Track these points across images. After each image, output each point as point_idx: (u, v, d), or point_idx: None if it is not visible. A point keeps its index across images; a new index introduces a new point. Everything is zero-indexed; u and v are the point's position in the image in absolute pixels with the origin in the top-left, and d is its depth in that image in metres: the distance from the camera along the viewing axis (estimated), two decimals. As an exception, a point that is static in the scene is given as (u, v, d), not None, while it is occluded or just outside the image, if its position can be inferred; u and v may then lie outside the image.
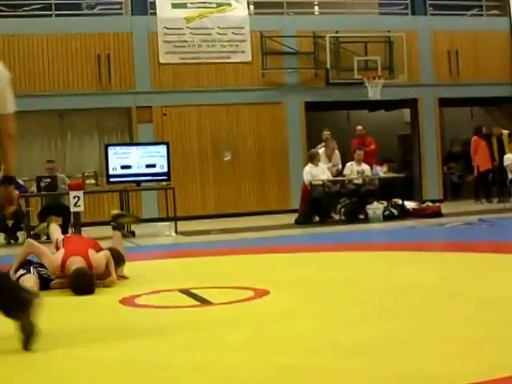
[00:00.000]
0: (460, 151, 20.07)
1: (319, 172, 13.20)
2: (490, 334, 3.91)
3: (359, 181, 13.51)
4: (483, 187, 16.57)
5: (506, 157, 15.52)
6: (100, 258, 6.20)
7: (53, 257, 6.17)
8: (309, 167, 13.25)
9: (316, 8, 18.75)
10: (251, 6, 17.41)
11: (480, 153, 16.25)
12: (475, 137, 16.41)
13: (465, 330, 4.04)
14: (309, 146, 15.74)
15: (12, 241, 11.98)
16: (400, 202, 13.23)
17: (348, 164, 13.79)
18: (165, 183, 12.93)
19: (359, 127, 15.55)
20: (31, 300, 3.86)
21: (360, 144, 14.82)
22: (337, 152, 14.32)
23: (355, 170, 13.52)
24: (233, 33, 16.30)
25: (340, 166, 14.12)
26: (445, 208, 13.79)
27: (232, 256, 8.67)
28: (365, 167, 13.64)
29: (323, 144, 14.53)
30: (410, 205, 13.51)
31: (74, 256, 6.04)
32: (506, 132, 16.38)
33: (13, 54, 15.27)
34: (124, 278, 6.59)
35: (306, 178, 13.15)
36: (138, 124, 15.89)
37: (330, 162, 14.04)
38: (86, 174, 12.85)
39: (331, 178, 13.46)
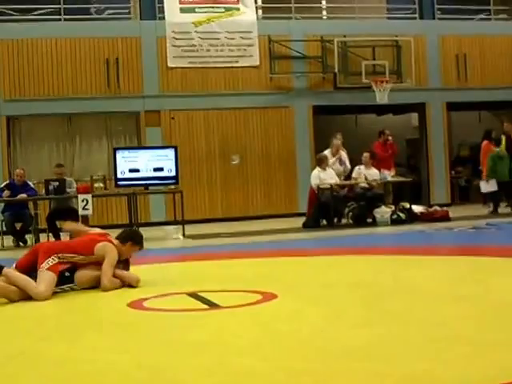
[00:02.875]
0: (468, 155, 20.00)
1: (327, 176, 13.18)
2: (499, 338, 3.90)
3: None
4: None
5: (513, 160, 15.43)
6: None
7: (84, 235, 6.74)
8: (317, 171, 13.24)
9: (324, 12, 18.77)
10: (259, 11, 17.45)
11: (490, 157, 16.13)
12: (486, 141, 16.28)
13: (473, 334, 4.03)
14: (316, 149, 15.73)
15: (21, 243, 12.04)
16: (408, 205, 13.22)
17: (356, 168, 13.79)
18: (173, 187, 12.97)
19: (387, 131, 15.44)
20: None
21: (383, 146, 14.87)
22: (342, 152, 14.29)
23: (363, 174, 13.52)
24: (241, 37, 16.33)
25: (347, 164, 14.06)
26: (452, 212, 13.75)
27: (240, 259, 8.67)
28: (373, 172, 13.63)
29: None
30: (417, 209, 13.49)
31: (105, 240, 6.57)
32: None
33: (22, 58, 15.37)
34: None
35: (314, 181, 13.14)
36: (147, 128, 15.94)
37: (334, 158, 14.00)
38: (94, 178, 12.90)
39: (339, 182, 13.46)
